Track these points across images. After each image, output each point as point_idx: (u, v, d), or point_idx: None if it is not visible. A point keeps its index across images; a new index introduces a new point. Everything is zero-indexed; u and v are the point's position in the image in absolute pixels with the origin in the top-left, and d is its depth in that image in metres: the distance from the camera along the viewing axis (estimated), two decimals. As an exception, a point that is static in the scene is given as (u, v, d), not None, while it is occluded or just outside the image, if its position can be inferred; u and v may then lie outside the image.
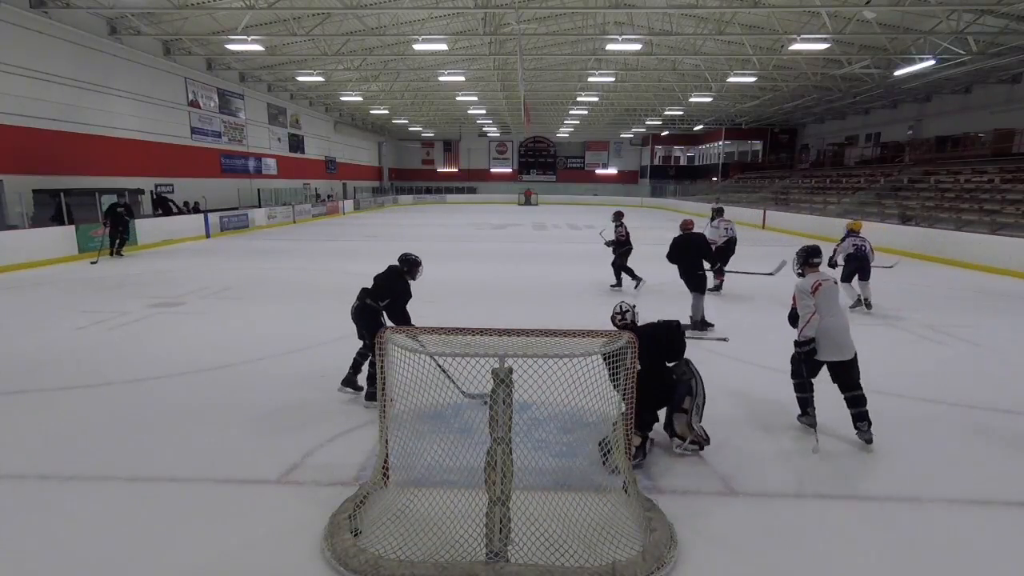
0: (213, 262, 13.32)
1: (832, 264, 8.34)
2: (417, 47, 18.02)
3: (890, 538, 3.09)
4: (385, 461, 3.42)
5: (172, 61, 20.07)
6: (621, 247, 9.88)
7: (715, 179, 41.18)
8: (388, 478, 3.45)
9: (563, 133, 47.21)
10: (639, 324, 4.23)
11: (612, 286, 10.15)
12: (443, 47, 18.98)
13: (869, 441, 4.14)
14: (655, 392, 3.95)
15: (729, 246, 10.07)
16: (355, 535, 2.94)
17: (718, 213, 10.46)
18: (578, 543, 2.91)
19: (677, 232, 7.57)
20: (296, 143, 31.01)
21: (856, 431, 4.19)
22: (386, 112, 35.95)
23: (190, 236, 17.73)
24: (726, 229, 10.16)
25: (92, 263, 12.74)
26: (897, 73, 19.11)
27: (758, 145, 41.46)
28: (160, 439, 4.20)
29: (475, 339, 3.16)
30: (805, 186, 28.82)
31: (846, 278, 8.39)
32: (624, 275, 10.05)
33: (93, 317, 7.78)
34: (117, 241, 13.77)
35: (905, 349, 6.73)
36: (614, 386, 3.44)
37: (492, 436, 2.77)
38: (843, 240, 8.47)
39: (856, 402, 4.17)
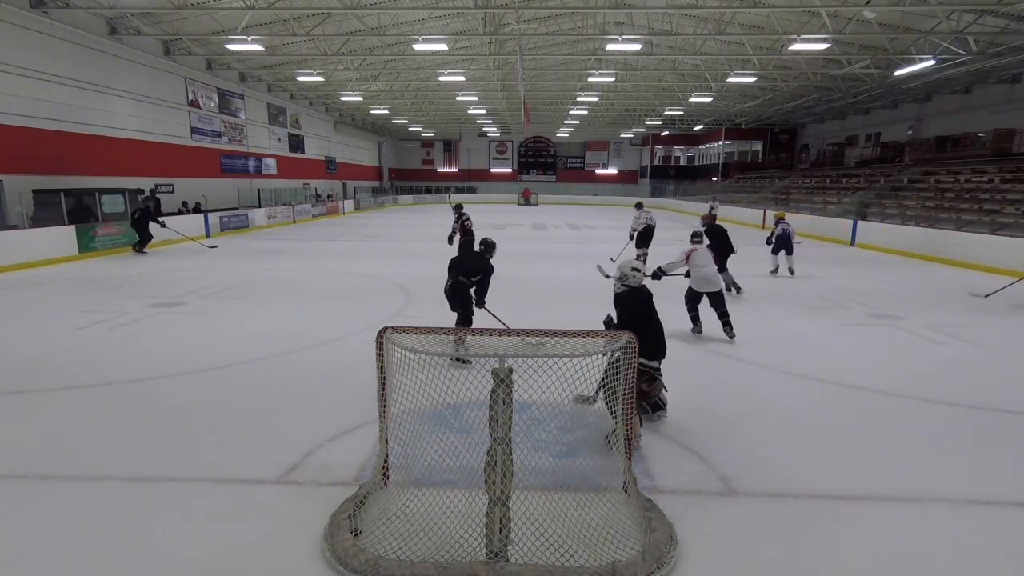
0: (213, 262, 13.32)
1: (768, 242, 11.66)
2: (417, 47, 18.02)
3: (890, 538, 3.09)
4: (385, 461, 3.42)
5: (172, 61, 20.07)
6: (466, 235, 10.88)
7: (715, 179, 41.17)
8: (388, 478, 3.45)
9: (563, 133, 47.20)
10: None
11: None
12: (443, 47, 18.99)
13: (732, 337, 6.86)
14: (660, 340, 4.36)
15: (647, 232, 12.51)
16: (355, 535, 2.94)
17: (638, 207, 13.12)
18: (578, 543, 2.90)
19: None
20: (296, 143, 31.01)
21: (724, 328, 6.91)
22: (386, 112, 35.95)
23: (190, 236, 17.71)
24: (646, 218, 12.54)
25: (212, 247, 15.10)
26: (897, 73, 19.12)
27: (758, 145, 41.46)
28: (160, 439, 4.20)
29: (475, 339, 3.16)
30: (805, 186, 28.82)
31: (775, 251, 11.64)
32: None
33: (93, 317, 7.78)
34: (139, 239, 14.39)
35: (905, 349, 6.73)
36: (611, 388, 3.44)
37: (492, 436, 2.77)
38: (776, 225, 11.58)
39: (724, 315, 6.93)
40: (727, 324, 6.92)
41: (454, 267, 6.13)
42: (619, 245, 13.74)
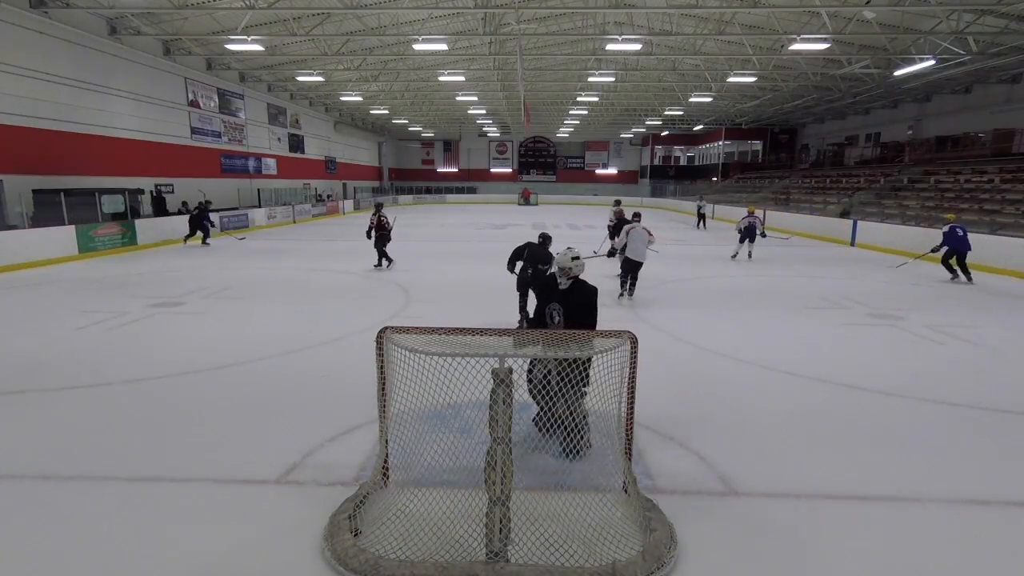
0: (213, 262, 13.32)
1: (738, 230, 14.14)
2: (417, 47, 18.01)
3: (890, 538, 3.09)
4: (385, 461, 3.42)
5: (172, 61, 20.07)
6: (380, 231, 12.12)
7: (715, 179, 41.17)
8: (388, 478, 3.45)
9: (563, 133, 47.20)
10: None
11: (375, 266, 12.24)
12: (443, 47, 18.98)
13: (631, 296, 9.10)
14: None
15: (618, 226, 13.72)
16: (355, 535, 2.94)
17: (616, 203, 14.73)
18: (578, 543, 2.91)
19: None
20: (296, 143, 31.01)
21: (630, 291, 9.09)
22: (386, 112, 35.95)
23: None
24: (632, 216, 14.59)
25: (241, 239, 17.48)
26: (897, 73, 19.11)
27: (758, 145, 41.47)
28: (160, 439, 4.20)
29: (475, 339, 3.16)
30: (805, 186, 28.83)
31: (741, 240, 14.10)
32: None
33: (93, 317, 7.78)
34: (199, 231, 16.28)
35: (905, 349, 6.73)
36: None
37: (492, 436, 2.77)
38: (743, 218, 14.13)
39: (635, 281, 9.11)
40: (633, 287, 9.19)
41: (530, 257, 7.04)
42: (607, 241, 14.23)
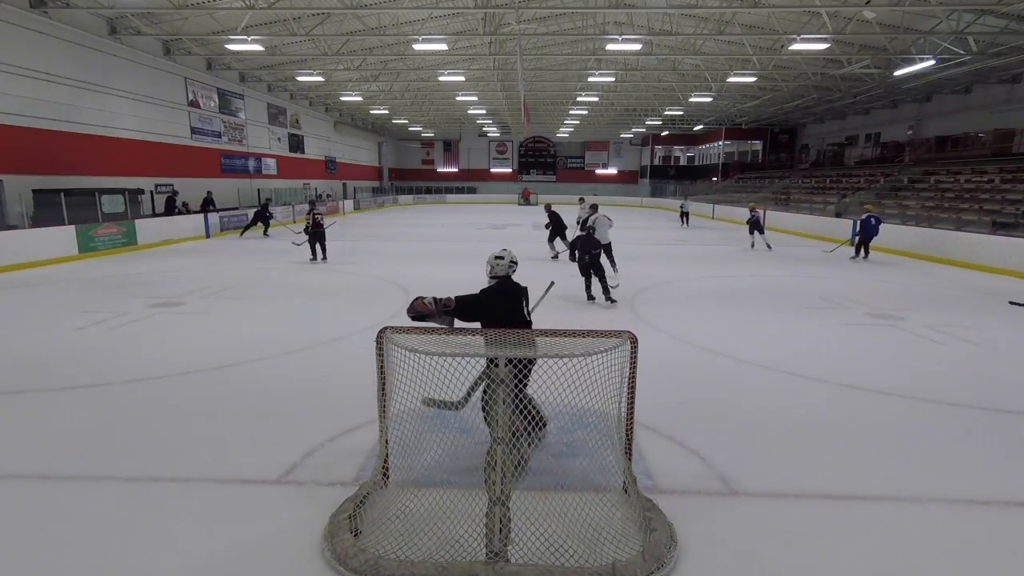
0: (213, 262, 13.32)
1: (747, 222, 16.39)
2: (417, 47, 18.02)
3: (890, 538, 3.09)
4: (385, 461, 3.42)
5: (172, 61, 20.08)
6: (316, 228, 13.11)
7: (715, 179, 41.17)
8: (388, 478, 3.45)
9: (563, 133, 47.20)
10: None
11: (311, 259, 13.25)
12: (443, 47, 18.99)
13: (616, 270, 10.74)
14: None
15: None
16: (355, 535, 2.94)
17: (580, 201, 16.07)
18: (578, 543, 2.90)
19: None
20: (296, 143, 31.00)
21: (612, 267, 10.65)
22: (386, 112, 35.95)
23: (190, 236, 17.74)
24: (589, 211, 15.88)
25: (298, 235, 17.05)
26: (897, 73, 19.11)
27: (758, 145, 41.46)
28: (160, 439, 4.19)
29: (475, 339, 3.16)
30: (805, 186, 28.83)
31: (751, 232, 16.18)
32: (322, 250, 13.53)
33: (93, 317, 7.78)
34: (260, 224, 18.94)
35: (905, 349, 6.73)
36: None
37: (492, 436, 2.77)
38: (751, 215, 16.30)
39: (612, 260, 10.66)
40: (612, 264, 10.72)
41: (583, 247, 8.71)
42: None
